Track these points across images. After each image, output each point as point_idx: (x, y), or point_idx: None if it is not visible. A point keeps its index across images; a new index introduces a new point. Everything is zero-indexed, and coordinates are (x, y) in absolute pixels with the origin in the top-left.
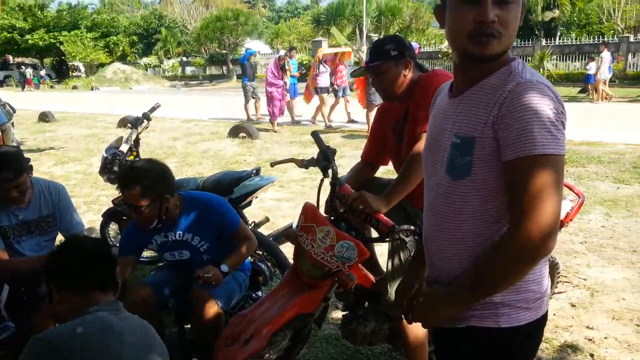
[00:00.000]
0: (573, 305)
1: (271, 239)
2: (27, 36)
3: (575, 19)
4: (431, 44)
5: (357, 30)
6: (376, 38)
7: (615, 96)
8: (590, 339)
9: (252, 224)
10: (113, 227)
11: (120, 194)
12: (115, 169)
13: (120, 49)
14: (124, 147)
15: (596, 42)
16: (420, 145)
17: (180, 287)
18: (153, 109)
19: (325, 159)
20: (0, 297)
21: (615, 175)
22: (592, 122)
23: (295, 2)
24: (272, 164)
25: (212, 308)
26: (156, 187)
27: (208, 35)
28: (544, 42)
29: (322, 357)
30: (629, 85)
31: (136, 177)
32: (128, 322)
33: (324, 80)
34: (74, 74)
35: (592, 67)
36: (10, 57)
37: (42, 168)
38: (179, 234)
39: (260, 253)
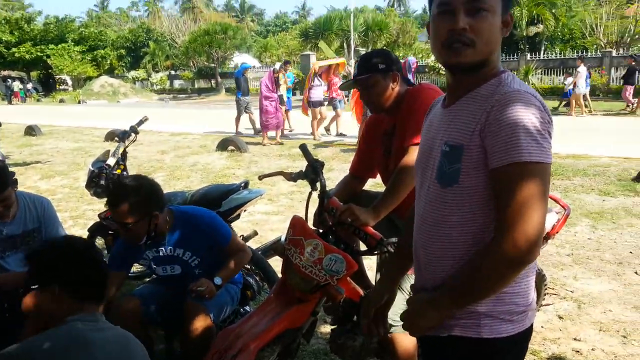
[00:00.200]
0: (560, 317)
1: (260, 252)
2: (14, 49)
3: (559, 33)
4: (418, 58)
5: (344, 44)
6: (364, 52)
7: (593, 110)
8: (578, 351)
9: (241, 238)
10: (99, 242)
11: (107, 209)
12: (102, 182)
13: (108, 62)
14: (111, 161)
15: (579, 56)
16: (408, 158)
17: (168, 301)
18: (141, 122)
19: (313, 172)
20: None
21: (600, 187)
22: (577, 135)
23: (283, 16)
24: (261, 177)
25: (205, 321)
26: (145, 204)
27: (196, 49)
28: (528, 56)
29: None
30: (612, 99)
31: (125, 194)
32: (104, 335)
33: (317, 93)
34: (61, 87)
35: (569, 82)
36: None
37: (28, 182)
38: (170, 249)
39: (249, 267)
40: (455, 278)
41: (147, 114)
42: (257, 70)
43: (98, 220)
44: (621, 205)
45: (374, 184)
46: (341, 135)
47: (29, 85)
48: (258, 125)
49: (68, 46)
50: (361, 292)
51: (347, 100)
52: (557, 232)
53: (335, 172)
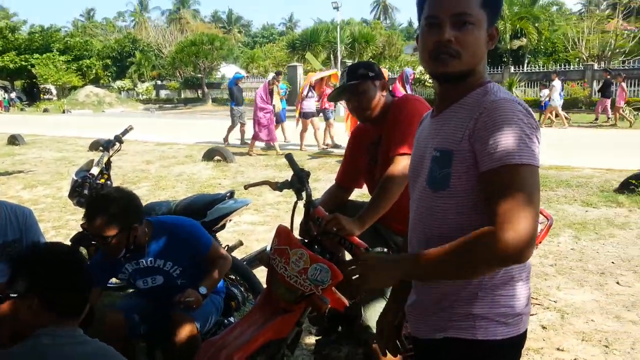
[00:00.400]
0: (544, 327)
1: (245, 263)
2: None
3: (542, 47)
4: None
5: (331, 56)
6: (350, 63)
7: (570, 122)
8: None
9: (226, 248)
10: (82, 252)
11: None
12: (86, 192)
13: (93, 72)
14: (95, 170)
15: (562, 69)
16: (394, 168)
17: (151, 313)
18: (126, 132)
19: (299, 182)
20: None
21: (583, 198)
22: (559, 146)
23: (270, 28)
24: (246, 187)
25: (191, 331)
26: (124, 217)
27: (183, 59)
28: (512, 69)
29: None
30: (594, 111)
31: (103, 208)
32: (82, 349)
33: (309, 105)
34: (45, 96)
35: (544, 94)
36: None
37: (10, 192)
38: (150, 260)
39: (233, 277)
40: (430, 252)
41: (132, 124)
42: (243, 81)
43: (81, 230)
44: (603, 216)
45: (360, 194)
46: (336, 146)
47: (13, 95)
48: (238, 135)
49: (53, 56)
50: (346, 302)
51: (336, 110)
52: (540, 242)
53: (322, 182)
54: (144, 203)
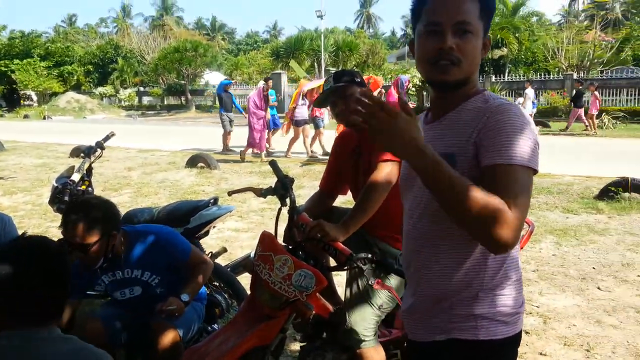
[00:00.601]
0: (527, 332)
1: (229, 269)
2: None
3: (523, 57)
4: (387, 79)
5: (315, 63)
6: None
7: (540, 129)
8: None
9: (210, 255)
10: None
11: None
12: (66, 198)
13: (75, 78)
14: (76, 177)
15: (542, 79)
16: (378, 174)
17: (131, 321)
18: (107, 138)
19: (283, 188)
20: None
21: (564, 205)
22: (540, 153)
23: (254, 35)
24: (230, 193)
25: (174, 338)
26: (104, 222)
27: (166, 66)
28: (493, 78)
29: None
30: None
31: (83, 213)
32: (54, 349)
33: (301, 112)
34: (25, 102)
35: (519, 102)
36: None
37: None
38: (127, 271)
39: (217, 284)
40: (455, 176)
41: (114, 130)
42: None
43: (62, 237)
44: (584, 223)
45: (345, 201)
46: (327, 154)
47: None
48: (230, 143)
49: (34, 61)
50: (331, 308)
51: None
52: (521, 248)
53: (306, 189)
54: (126, 210)
